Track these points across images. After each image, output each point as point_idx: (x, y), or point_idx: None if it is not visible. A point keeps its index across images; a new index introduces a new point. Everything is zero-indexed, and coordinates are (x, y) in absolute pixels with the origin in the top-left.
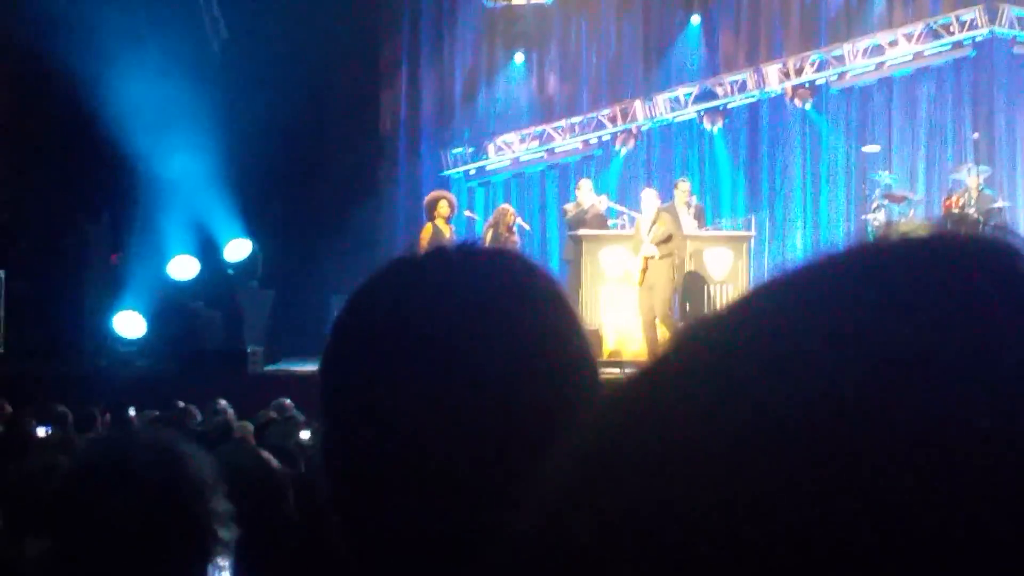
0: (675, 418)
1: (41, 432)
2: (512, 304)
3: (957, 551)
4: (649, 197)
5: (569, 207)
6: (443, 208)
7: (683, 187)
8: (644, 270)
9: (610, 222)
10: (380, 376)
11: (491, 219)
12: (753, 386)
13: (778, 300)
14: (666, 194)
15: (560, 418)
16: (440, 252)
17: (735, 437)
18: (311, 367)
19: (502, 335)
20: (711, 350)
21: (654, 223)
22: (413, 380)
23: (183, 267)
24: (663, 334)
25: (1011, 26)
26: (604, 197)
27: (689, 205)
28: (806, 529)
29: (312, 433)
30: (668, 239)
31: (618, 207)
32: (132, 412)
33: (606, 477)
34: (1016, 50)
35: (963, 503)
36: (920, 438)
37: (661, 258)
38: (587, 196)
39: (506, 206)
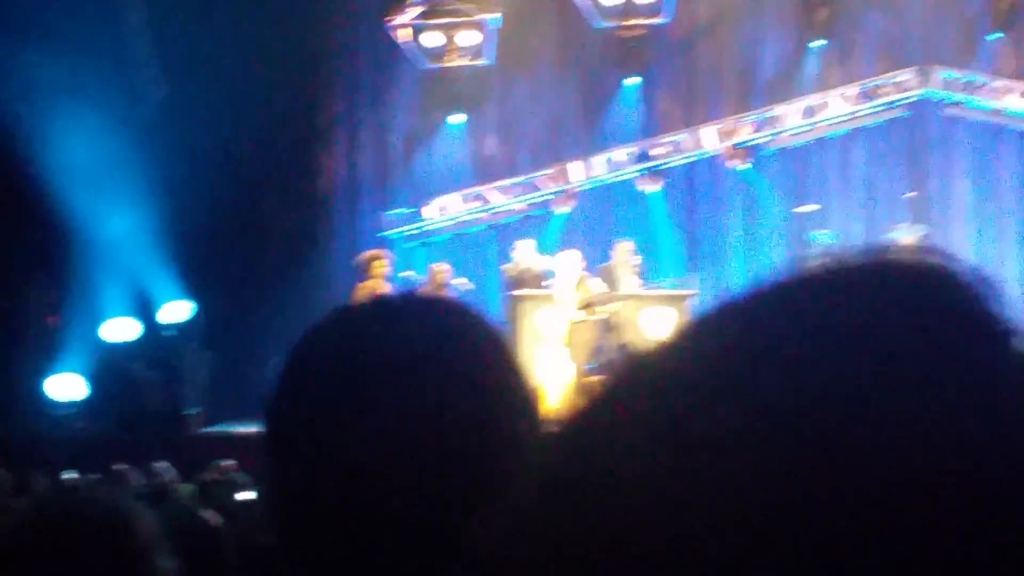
0: (618, 449)
1: None
2: (453, 349)
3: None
4: (569, 259)
5: (508, 267)
6: (379, 267)
7: (623, 247)
8: (569, 332)
9: (546, 282)
10: (325, 421)
11: (425, 278)
12: (692, 416)
13: (716, 329)
14: (604, 255)
15: (503, 459)
16: (382, 300)
17: (676, 466)
18: (251, 428)
19: (444, 379)
20: (652, 380)
21: (577, 286)
22: (357, 425)
23: (122, 328)
24: (578, 393)
25: (943, 87)
26: (543, 258)
27: (628, 265)
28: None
29: (254, 492)
30: (589, 304)
31: (556, 266)
32: (70, 475)
33: (557, 505)
34: (948, 111)
35: (895, 535)
36: (856, 465)
37: (584, 320)
38: (524, 256)
39: (438, 265)
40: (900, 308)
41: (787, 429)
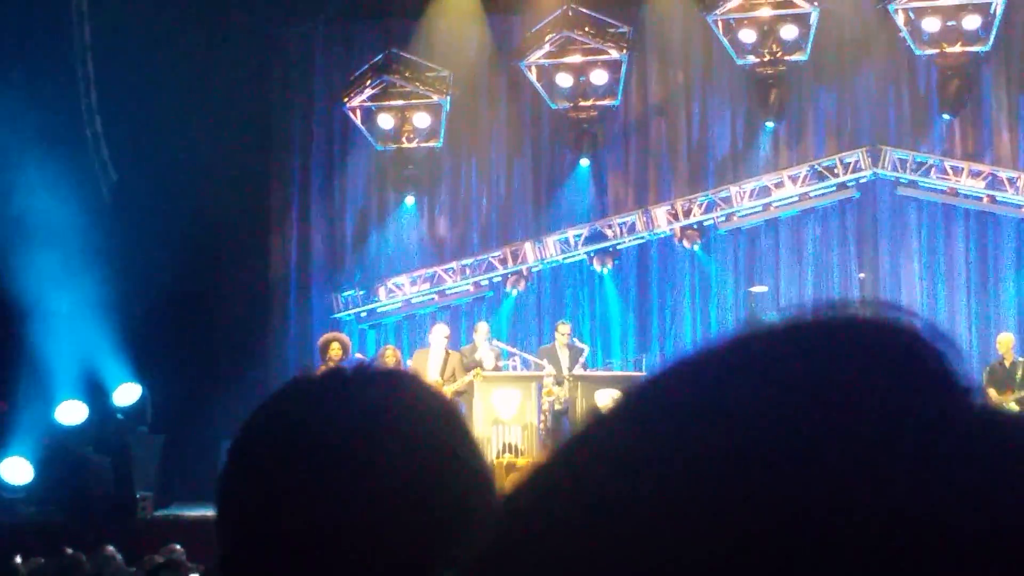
0: (558, 520)
1: None
2: (407, 419)
3: None
4: (437, 335)
5: (465, 350)
6: (335, 350)
7: (563, 329)
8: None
9: (501, 363)
10: (279, 491)
11: (375, 360)
12: (633, 479)
13: (665, 387)
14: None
15: (454, 531)
16: (337, 372)
17: (628, 518)
18: (201, 511)
19: (398, 449)
20: (595, 446)
21: (445, 362)
22: (312, 494)
23: (71, 412)
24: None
25: (894, 168)
26: (496, 344)
27: (569, 347)
28: None
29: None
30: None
31: (509, 348)
32: (18, 560)
33: (511, 561)
34: (899, 191)
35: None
36: (805, 520)
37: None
38: (482, 341)
39: (385, 348)
40: (858, 361)
41: (734, 481)
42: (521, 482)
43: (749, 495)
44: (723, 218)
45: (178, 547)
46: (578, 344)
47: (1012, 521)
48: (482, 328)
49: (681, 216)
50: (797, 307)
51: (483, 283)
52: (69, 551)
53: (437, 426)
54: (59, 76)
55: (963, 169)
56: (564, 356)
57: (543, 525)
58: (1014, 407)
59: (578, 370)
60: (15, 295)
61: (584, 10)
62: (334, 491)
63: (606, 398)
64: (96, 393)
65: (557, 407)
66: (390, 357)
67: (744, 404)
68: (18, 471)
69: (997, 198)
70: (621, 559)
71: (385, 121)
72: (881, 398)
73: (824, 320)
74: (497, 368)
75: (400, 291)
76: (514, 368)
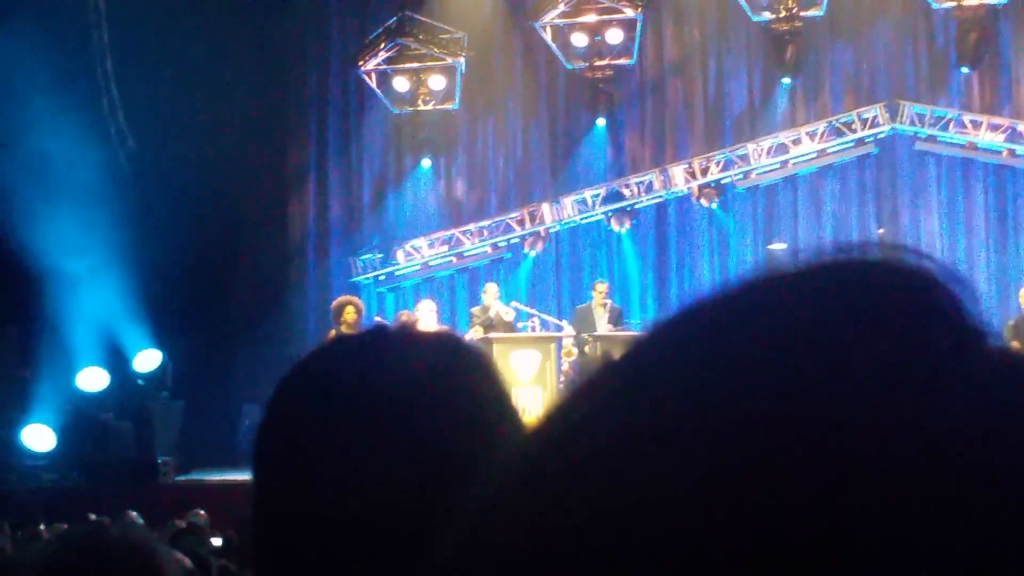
0: (580, 446)
1: None
2: (446, 375)
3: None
4: (425, 310)
5: (476, 311)
6: (349, 313)
7: (600, 288)
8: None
9: (520, 324)
10: (318, 446)
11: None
12: (651, 416)
13: (679, 329)
14: (583, 295)
15: None
16: (379, 328)
17: (633, 464)
18: (223, 476)
19: (437, 404)
20: (613, 382)
21: None
22: (351, 449)
23: (93, 379)
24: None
25: (912, 123)
26: (511, 305)
27: (605, 307)
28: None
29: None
30: None
31: (528, 309)
32: (42, 527)
33: (530, 488)
34: (917, 146)
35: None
36: (816, 466)
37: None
38: (493, 301)
39: (424, 303)
40: (871, 304)
41: (745, 426)
42: (535, 424)
43: (758, 430)
44: (741, 176)
45: (200, 512)
46: (614, 304)
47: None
48: (491, 288)
49: (699, 174)
50: (811, 251)
51: (501, 244)
52: (92, 517)
53: (480, 385)
54: (74, 43)
55: (982, 123)
56: (600, 316)
57: (558, 463)
58: None
59: (610, 330)
60: (35, 262)
61: None
62: (373, 450)
63: None
64: (117, 359)
65: (577, 367)
66: (429, 313)
67: (755, 341)
68: (40, 438)
69: (1016, 151)
70: (632, 494)
71: (400, 84)
72: (891, 335)
73: (836, 262)
74: (513, 326)
75: (418, 254)
76: (533, 329)
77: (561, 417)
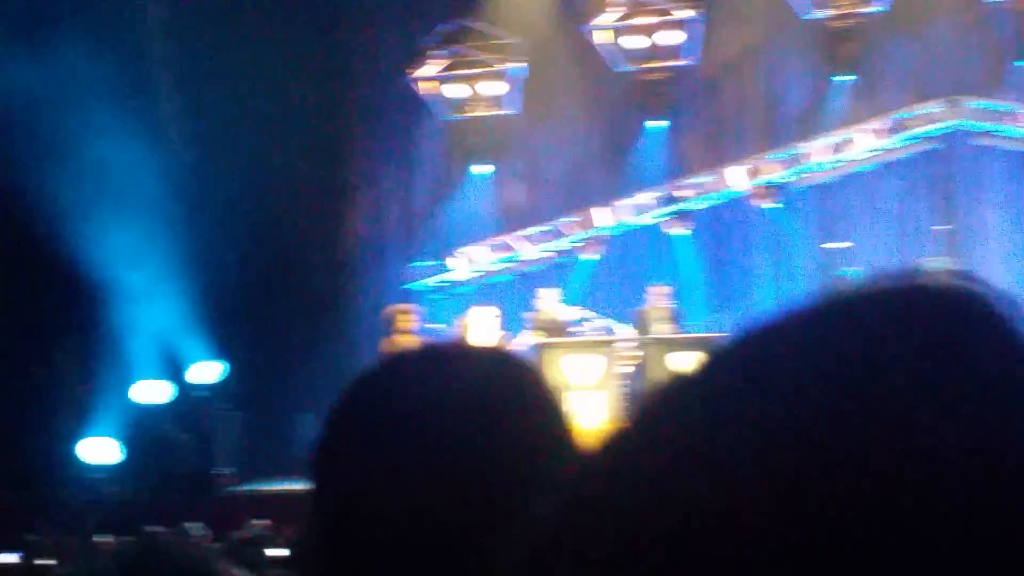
0: (642, 467)
1: (8, 559)
2: (499, 391)
3: None
4: (484, 317)
5: (532, 316)
6: (404, 321)
7: (655, 291)
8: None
9: (577, 329)
10: (374, 462)
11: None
12: (715, 437)
13: (742, 353)
14: (639, 298)
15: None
16: (433, 347)
17: (696, 483)
18: (283, 486)
19: (490, 421)
20: (676, 405)
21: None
22: (406, 465)
23: (153, 391)
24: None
25: (972, 118)
26: (566, 307)
27: (661, 309)
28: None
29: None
30: None
31: (585, 313)
32: (105, 539)
33: (586, 523)
34: (977, 141)
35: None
36: (881, 489)
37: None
38: (547, 305)
39: (462, 317)
40: (930, 331)
41: (811, 448)
42: (601, 441)
43: (843, 453)
44: (798, 175)
45: (261, 522)
46: (670, 307)
47: None
48: (547, 293)
49: (755, 175)
50: (865, 276)
51: (557, 250)
52: (154, 529)
53: (532, 400)
54: (132, 56)
55: None
56: (656, 318)
57: (621, 483)
58: None
59: (666, 333)
60: (95, 274)
61: None
62: (427, 467)
63: (682, 361)
64: (177, 371)
65: (633, 371)
66: (467, 328)
67: (829, 365)
68: (102, 451)
69: None
70: (718, 505)
71: (454, 90)
72: (949, 361)
73: (895, 289)
74: (569, 329)
75: (474, 261)
76: (590, 333)
77: (638, 433)
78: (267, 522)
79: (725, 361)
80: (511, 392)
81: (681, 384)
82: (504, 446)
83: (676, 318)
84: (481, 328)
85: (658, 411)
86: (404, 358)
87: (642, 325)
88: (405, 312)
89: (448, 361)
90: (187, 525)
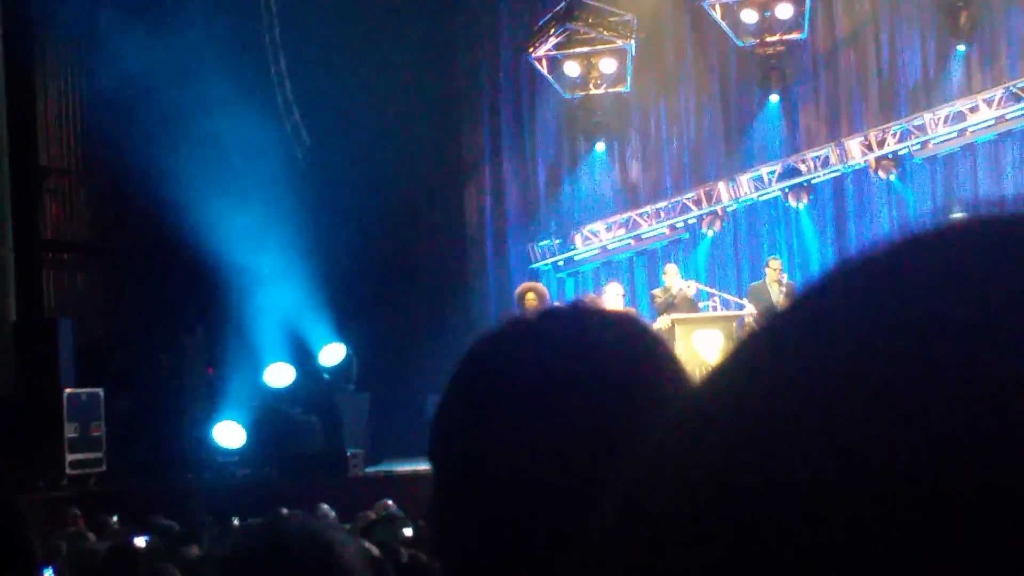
0: (754, 389)
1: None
2: (624, 358)
3: None
4: (612, 293)
5: (657, 292)
6: (531, 300)
7: (774, 265)
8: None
9: (701, 304)
10: (495, 425)
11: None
12: (822, 371)
13: (846, 286)
14: (761, 272)
15: None
16: (555, 310)
17: (807, 410)
18: (411, 467)
19: (615, 388)
20: (781, 340)
21: None
22: (527, 429)
23: (279, 374)
24: None
25: None
26: (692, 282)
27: (780, 283)
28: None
29: (414, 529)
30: None
31: (708, 289)
32: (236, 522)
33: (688, 446)
34: None
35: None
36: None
37: None
38: (674, 280)
39: (588, 295)
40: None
41: (931, 380)
42: (703, 377)
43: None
44: (918, 146)
45: (391, 503)
46: (787, 280)
47: None
48: (671, 268)
49: (875, 146)
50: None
51: (678, 225)
52: (284, 511)
53: (654, 363)
54: (248, 43)
55: None
56: (775, 292)
57: (745, 394)
58: None
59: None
60: (219, 262)
61: None
62: (547, 426)
63: None
64: (302, 355)
65: None
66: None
67: (931, 306)
68: (231, 435)
69: None
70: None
71: (571, 68)
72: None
73: (991, 220)
74: (694, 306)
75: (596, 238)
76: (714, 308)
77: (732, 368)
78: (392, 503)
79: (826, 293)
80: (629, 352)
81: (780, 317)
82: (623, 408)
83: (793, 291)
84: (608, 304)
85: (766, 337)
86: (516, 324)
87: (761, 298)
88: (533, 290)
89: (563, 323)
90: (322, 507)
